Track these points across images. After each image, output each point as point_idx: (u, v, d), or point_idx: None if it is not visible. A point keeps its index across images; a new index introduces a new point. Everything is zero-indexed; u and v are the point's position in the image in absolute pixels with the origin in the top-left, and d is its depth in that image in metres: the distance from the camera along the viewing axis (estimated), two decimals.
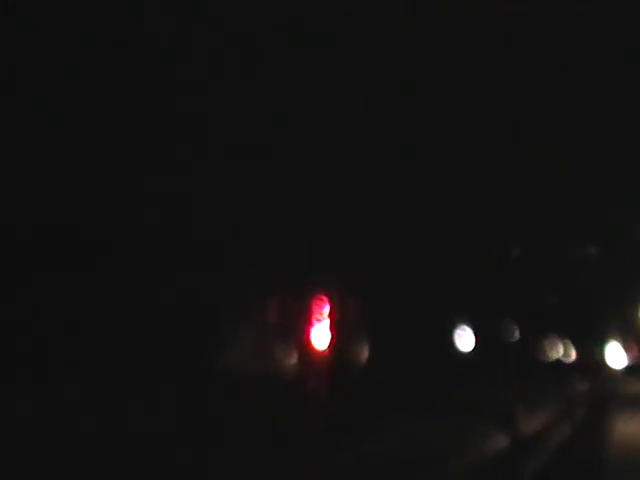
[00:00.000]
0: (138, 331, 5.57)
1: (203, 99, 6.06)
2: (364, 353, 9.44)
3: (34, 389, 4.71)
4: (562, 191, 11.44)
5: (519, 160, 9.94)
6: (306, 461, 6.36)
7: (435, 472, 7.22)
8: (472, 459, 8.06)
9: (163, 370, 5.62)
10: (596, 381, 21.86)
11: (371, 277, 9.00)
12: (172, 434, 5.38)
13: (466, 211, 10.29)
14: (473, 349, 14.21)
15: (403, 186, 8.83)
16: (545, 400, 14.00)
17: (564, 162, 10.29)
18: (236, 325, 6.98)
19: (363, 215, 8.35)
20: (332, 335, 7.38)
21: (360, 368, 9.21)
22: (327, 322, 7.36)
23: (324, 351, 7.34)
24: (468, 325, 14.19)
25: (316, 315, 7.34)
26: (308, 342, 7.32)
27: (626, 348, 27.44)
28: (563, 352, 23.75)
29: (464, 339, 14.23)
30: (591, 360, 24.92)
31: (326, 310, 7.39)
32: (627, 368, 27.02)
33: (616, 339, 26.80)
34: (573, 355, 24.56)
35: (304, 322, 7.31)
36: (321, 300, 7.41)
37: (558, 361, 22.88)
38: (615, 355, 27.09)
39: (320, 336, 7.33)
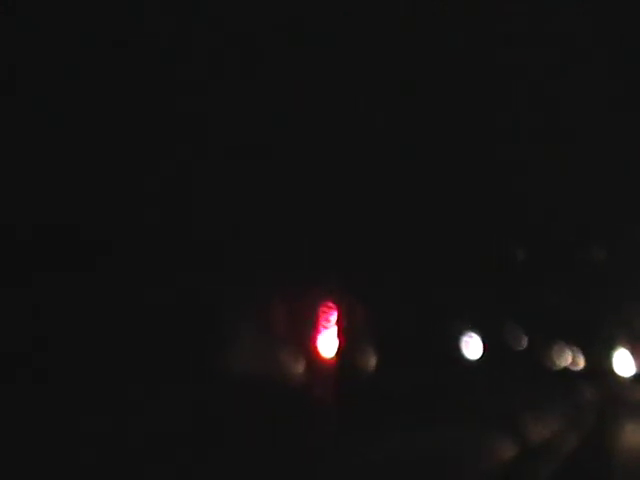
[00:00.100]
0: (138, 331, 5.57)
1: (203, 99, 6.06)
2: (372, 360, 9.42)
3: (34, 389, 4.71)
4: (562, 191, 11.44)
5: (519, 160, 9.94)
6: (312, 467, 6.34)
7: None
8: (481, 467, 8.05)
9: (165, 371, 5.62)
10: (605, 389, 21.80)
11: (378, 283, 8.99)
12: (174, 436, 5.38)
13: (466, 212, 10.29)
14: (481, 356, 14.16)
15: (403, 186, 8.82)
16: (554, 408, 13.99)
17: (564, 162, 10.29)
18: (240, 328, 6.98)
19: (366, 216, 8.35)
20: (339, 342, 7.36)
21: (367, 375, 9.19)
22: (335, 329, 7.35)
23: (331, 358, 7.32)
24: (475, 332, 14.15)
25: (323, 322, 7.32)
26: (315, 349, 7.30)
27: (634, 356, 27.34)
28: (571, 360, 23.68)
29: (471, 346, 14.18)
30: (599, 368, 24.84)
31: (334, 317, 7.38)
32: (635, 376, 26.91)
33: (624, 347, 26.69)
34: (581, 363, 24.49)
35: (311, 329, 7.30)
36: (329, 307, 7.39)
37: (566, 369, 22.80)
38: (623, 363, 26.98)
39: (327, 343, 7.31)
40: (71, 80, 5.10)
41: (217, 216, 6.58)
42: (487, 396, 11.44)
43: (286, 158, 7.02)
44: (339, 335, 7.34)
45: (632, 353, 26.80)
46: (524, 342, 16.94)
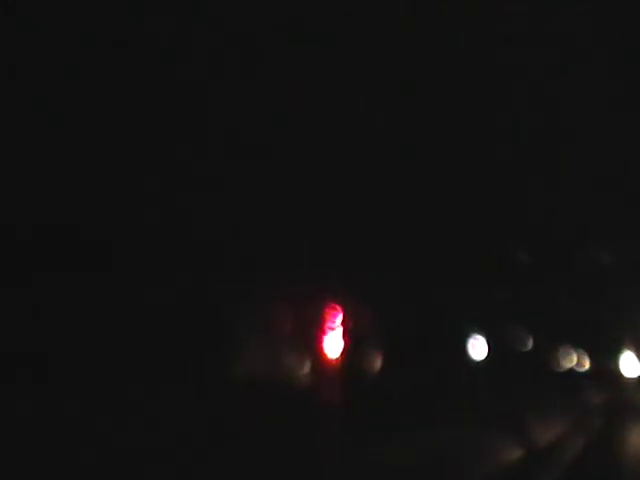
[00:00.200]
0: (140, 332, 5.57)
1: (203, 99, 6.06)
2: (377, 362, 9.41)
3: (34, 389, 4.71)
4: (562, 191, 11.44)
5: (519, 160, 9.93)
6: (315, 467, 6.34)
7: None
8: (481, 467, 8.04)
9: (167, 371, 5.62)
10: (611, 391, 21.75)
11: (383, 285, 8.99)
12: (176, 436, 5.37)
13: (467, 212, 10.29)
14: (486, 358, 14.14)
15: (403, 186, 8.82)
16: (558, 410, 13.96)
17: (564, 162, 10.29)
18: (245, 329, 6.97)
19: (366, 216, 8.34)
20: (345, 344, 7.37)
21: (373, 377, 9.18)
22: (340, 331, 7.35)
23: (337, 360, 7.33)
24: (481, 334, 14.13)
25: (329, 323, 7.33)
26: (321, 351, 7.31)
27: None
28: (576, 361, 23.65)
29: (477, 348, 14.16)
30: (605, 369, 24.80)
31: (339, 319, 7.38)
32: None
33: (630, 348, 26.62)
34: (587, 364, 24.46)
35: (317, 330, 7.31)
36: (334, 308, 7.40)
37: (571, 370, 22.78)
38: (629, 364, 26.90)
39: (333, 345, 7.32)
40: (71, 80, 5.10)
41: (220, 217, 6.59)
42: (490, 397, 11.43)
43: (286, 158, 7.02)
44: (344, 336, 7.35)
45: (638, 355, 26.74)
46: (529, 343, 16.93)
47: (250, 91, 6.33)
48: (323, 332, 7.30)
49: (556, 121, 9.16)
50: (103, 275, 5.46)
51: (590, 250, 15.95)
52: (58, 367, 4.92)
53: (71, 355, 5.02)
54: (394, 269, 9.32)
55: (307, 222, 7.49)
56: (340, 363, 7.33)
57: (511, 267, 14.08)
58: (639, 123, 9.27)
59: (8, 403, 4.48)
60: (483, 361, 14.02)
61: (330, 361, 7.29)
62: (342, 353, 7.33)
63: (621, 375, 26.13)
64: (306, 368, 7.49)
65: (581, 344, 22.92)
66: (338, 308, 7.41)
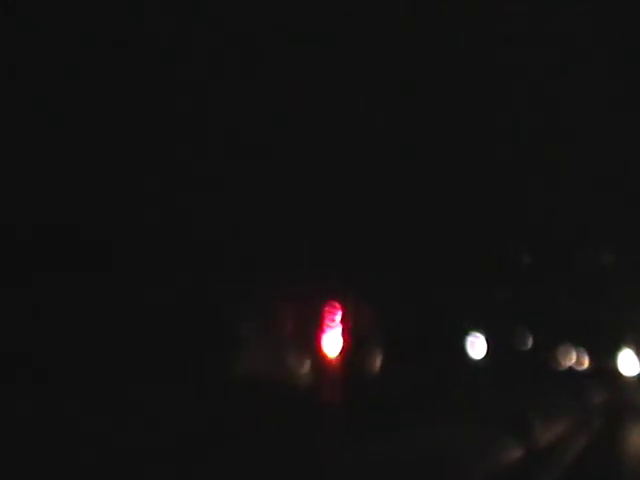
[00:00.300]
0: (140, 332, 5.57)
1: (203, 99, 6.06)
2: (377, 360, 9.40)
3: (34, 389, 4.71)
4: (562, 191, 11.44)
5: (519, 160, 9.93)
6: (315, 466, 6.34)
7: None
8: (486, 469, 8.03)
9: (167, 371, 5.62)
10: (612, 391, 21.73)
11: (380, 280, 8.99)
12: (176, 436, 5.37)
13: (466, 212, 10.29)
14: (486, 357, 14.14)
15: (403, 186, 8.82)
16: (558, 408, 13.95)
17: (564, 162, 10.29)
18: (242, 327, 6.97)
19: (366, 216, 8.34)
20: (344, 342, 7.36)
21: (373, 375, 9.18)
22: (339, 329, 7.34)
23: (336, 358, 7.31)
24: (480, 332, 14.14)
25: (328, 322, 7.32)
26: (320, 349, 7.30)
27: (639, 355, 27.25)
28: (575, 360, 23.67)
29: (476, 346, 14.16)
30: (604, 368, 24.80)
31: (338, 317, 7.37)
32: None
33: (629, 347, 26.62)
34: (586, 363, 24.47)
35: (316, 329, 7.30)
36: (333, 306, 7.39)
37: (570, 369, 22.79)
38: (628, 363, 26.89)
39: (332, 343, 7.31)
40: (71, 80, 5.10)
41: (220, 217, 6.59)
42: (490, 396, 11.43)
43: (286, 158, 7.02)
44: (343, 335, 7.34)
45: (637, 354, 26.74)
46: (529, 343, 16.94)
47: (250, 91, 6.33)
48: (322, 330, 7.29)
49: (556, 121, 9.16)
50: (103, 275, 5.46)
51: (588, 250, 15.96)
52: (58, 367, 4.92)
53: (71, 355, 5.02)
54: (393, 268, 9.32)
55: (307, 222, 7.49)
56: (340, 362, 7.32)
57: (511, 267, 14.08)
58: (639, 123, 9.27)
59: (8, 403, 4.48)
60: (483, 360, 14.03)
61: (329, 360, 7.28)
62: (341, 351, 7.32)
63: (620, 374, 26.14)
64: (306, 367, 7.48)
65: (581, 343, 22.94)
66: (337, 306, 7.40)
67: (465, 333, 13.80)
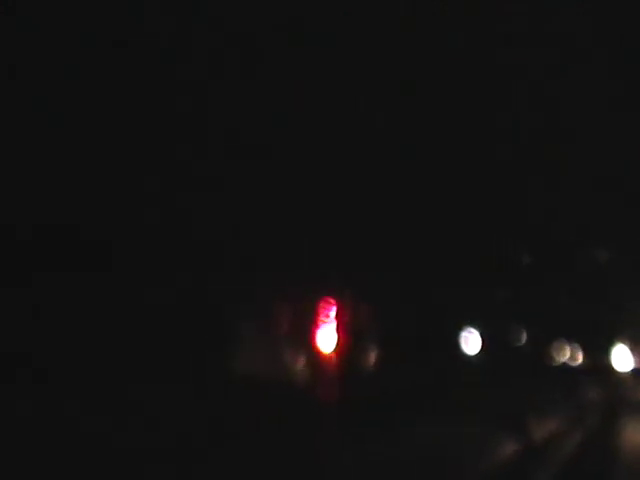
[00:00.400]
0: (140, 332, 5.57)
1: (203, 99, 6.06)
2: (372, 356, 9.41)
3: (34, 389, 4.71)
4: (562, 191, 11.44)
5: (519, 160, 9.93)
6: (315, 465, 6.34)
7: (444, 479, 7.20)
8: (482, 466, 8.02)
9: (167, 371, 5.62)
10: (607, 386, 21.75)
11: (379, 279, 8.99)
12: (174, 435, 5.37)
13: (466, 211, 10.29)
14: (479, 352, 14.18)
15: (403, 186, 8.82)
16: (555, 407, 13.95)
17: (564, 162, 10.29)
18: (241, 327, 6.97)
19: (366, 216, 8.35)
20: (339, 338, 7.35)
21: (368, 371, 9.18)
22: (334, 324, 7.33)
23: (330, 354, 7.31)
24: (475, 327, 14.17)
25: (322, 317, 7.31)
26: (314, 345, 7.29)
27: (633, 351, 27.32)
28: (569, 355, 23.72)
29: (471, 342, 14.20)
30: (598, 363, 24.86)
31: (332, 312, 7.37)
32: (634, 371, 26.89)
33: (623, 342, 26.69)
34: (579, 358, 24.52)
35: (311, 324, 7.29)
36: (328, 302, 7.39)
37: (564, 364, 22.85)
38: (622, 358, 26.95)
39: (326, 338, 7.30)
40: (71, 80, 5.10)
41: (220, 217, 6.58)
42: (487, 393, 11.44)
43: (286, 158, 7.02)
44: (338, 331, 7.34)
45: (631, 349, 26.79)
46: (523, 337, 17.00)
47: (250, 91, 6.33)
48: (316, 326, 7.28)
49: (556, 121, 9.16)
50: (103, 275, 5.46)
51: (589, 249, 15.97)
52: (58, 367, 4.92)
53: (71, 355, 5.02)
54: (390, 265, 9.32)
55: (307, 221, 7.49)
56: (334, 357, 7.32)
57: (511, 267, 14.10)
58: (639, 123, 9.27)
59: (8, 403, 4.48)
60: (478, 356, 14.07)
61: (324, 355, 7.28)
62: (336, 347, 7.32)
63: (613, 369, 26.21)
64: (303, 364, 7.49)
65: (575, 338, 23.02)
66: (332, 301, 7.40)
67: (460, 328, 13.86)
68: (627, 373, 26.38)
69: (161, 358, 5.63)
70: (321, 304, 7.34)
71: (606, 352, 26.10)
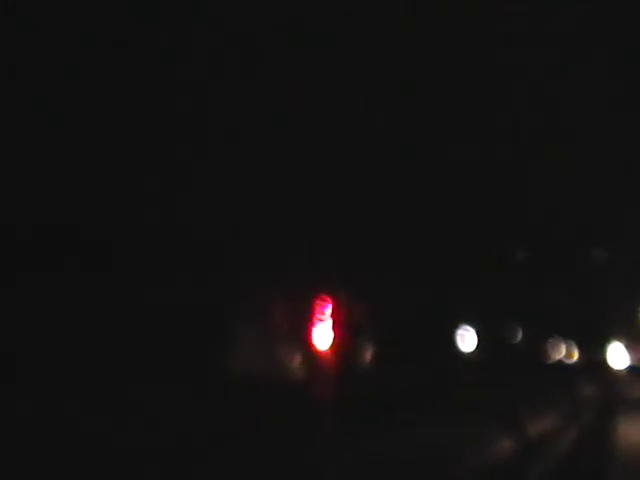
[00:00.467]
0: (140, 332, 5.57)
1: (203, 99, 6.06)
2: (368, 354, 9.41)
3: (34, 389, 4.71)
4: (562, 191, 11.44)
5: (519, 160, 9.94)
6: (312, 463, 6.33)
7: (440, 476, 7.19)
8: (477, 463, 8.02)
9: (167, 370, 5.62)
10: (602, 384, 21.76)
11: (378, 278, 8.99)
12: (173, 435, 5.37)
13: (466, 211, 10.29)
14: (475, 349, 14.21)
15: (403, 186, 8.82)
16: (551, 403, 13.96)
17: (564, 162, 10.29)
18: (238, 326, 6.97)
19: (365, 215, 8.35)
20: (335, 335, 7.35)
21: (364, 369, 9.18)
22: (329, 322, 7.33)
23: (326, 351, 7.31)
24: (471, 325, 14.20)
25: (318, 315, 7.31)
26: (310, 343, 7.30)
27: (629, 349, 27.39)
28: (565, 353, 23.77)
29: (467, 339, 14.22)
30: (593, 361, 24.90)
31: (328, 310, 7.36)
32: (629, 369, 26.97)
33: (619, 340, 26.75)
34: (575, 356, 24.55)
35: (307, 322, 7.30)
36: (323, 300, 7.38)
37: (559, 362, 22.90)
38: (618, 356, 27.01)
39: (322, 336, 7.30)
40: (71, 80, 5.10)
41: (215, 213, 6.58)
42: (483, 389, 11.45)
43: (286, 158, 7.02)
44: (334, 329, 7.34)
45: (627, 347, 26.84)
46: (519, 335, 17.06)
47: (250, 91, 6.33)
48: (312, 324, 7.28)
49: (556, 121, 9.16)
50: (103, 275, 5.46)
51: (588, 249, 16.00)
52: (58, 367, 4.92)
53: (71, 355, 5.02)
54: (389, 264, 9.33)
55: (306, 221, 7.49)
56: (330, 355, 7.32)
57: (506, 265, 14.11)
58: (639, 123, 9.27)
59: (8, 403, 4.48)
60: (474, 354, 14.09)
61: (320, 353, 7.28)
62: (332, 345, 7.31)
63: (609, 366, 26.25)
64: (301, 362, 7.49)
65: (571, 336, 23.07)
66: (328, 299, 7.39)
67: (456, 326, 13.89)
68: (623, 370, 26.43)
69: (161, 358, 5.63)
70: (317, 302, 7.34)
71: (602, 349, 26.16)
